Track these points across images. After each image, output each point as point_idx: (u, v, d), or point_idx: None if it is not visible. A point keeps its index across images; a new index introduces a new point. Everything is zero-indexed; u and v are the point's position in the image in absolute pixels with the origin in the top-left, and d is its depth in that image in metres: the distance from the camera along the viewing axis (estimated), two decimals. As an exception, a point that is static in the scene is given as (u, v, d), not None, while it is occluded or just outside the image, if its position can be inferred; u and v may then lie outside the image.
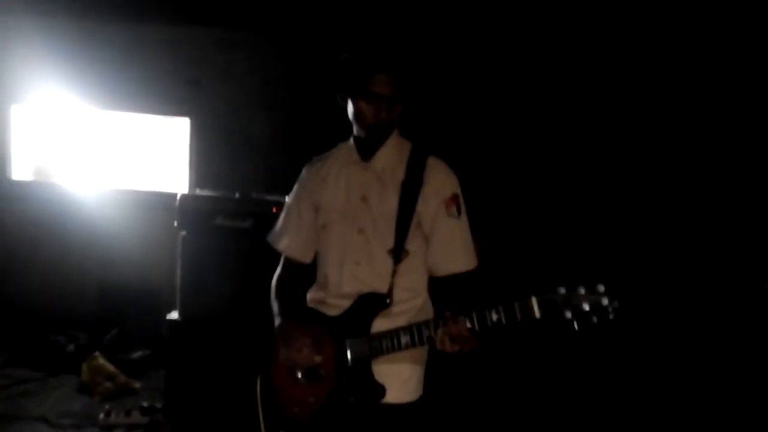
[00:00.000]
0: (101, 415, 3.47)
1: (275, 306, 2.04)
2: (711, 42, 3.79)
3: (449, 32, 4.30)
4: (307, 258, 2.07)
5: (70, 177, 5.13)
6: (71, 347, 4.34)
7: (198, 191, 3.91)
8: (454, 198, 1.91)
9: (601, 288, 1.61)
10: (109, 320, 4.59)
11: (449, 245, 1.90)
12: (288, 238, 2.08)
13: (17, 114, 5.13)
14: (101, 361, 4.01)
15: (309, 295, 2.04)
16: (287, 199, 2.13)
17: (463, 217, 1.93)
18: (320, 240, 2.01)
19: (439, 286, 1.96)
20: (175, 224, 3.52)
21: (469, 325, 1.68)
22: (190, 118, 5.03)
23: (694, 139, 3.99)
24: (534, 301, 1.64)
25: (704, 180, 3.96)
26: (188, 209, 3.51)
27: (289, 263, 2.10)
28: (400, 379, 1.87)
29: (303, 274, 2.08)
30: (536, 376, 3.73)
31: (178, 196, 3.56)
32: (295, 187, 2.11)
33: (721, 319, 3.71)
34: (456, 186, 1.93)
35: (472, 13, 4.06)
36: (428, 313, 1.94)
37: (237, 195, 3.60)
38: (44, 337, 4.41)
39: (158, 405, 3.57)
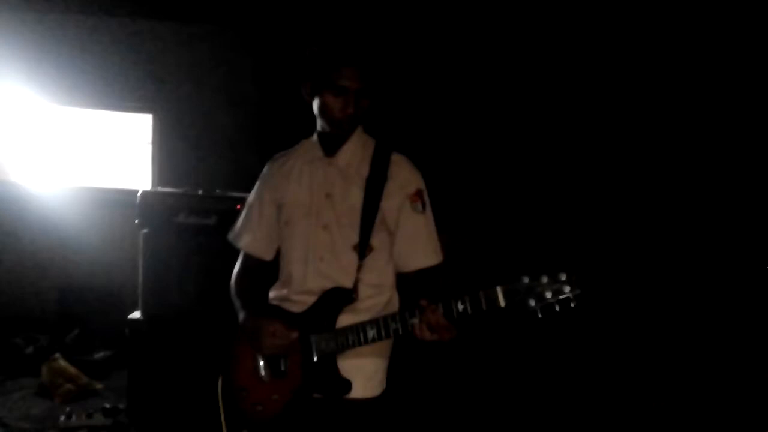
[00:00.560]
0: (62, 418, 3.43)
1: (237, 302, 2.02)
2: (704, 42, 3.81)
3: (412, 26, 4.29)
4: (268, 255, 2.06)
5: (29, 175, 5.01)
6: (30, 349, 4.26)
7: (160, 188, 3.86)
8: (419, 193, 1.92)
9: (563, 276, 1.63)
10: (69, 321, 4.50)
11: (415, 240, 1.91)
12: (249, 236, 2.07)
13: (-28, 110, 5.00)
14: (62, 362, 3.94)
15: (271, 293, 2.02)
16: (249, 195, 2.11)
17: (428, 211, 1.94)
18: (283, 237, 2.00)
19: (405, 282, 1.96)
20: (137, 222, 3.46)
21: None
22: (153, 114, 4.95)
23: (658, 119, 4.01)
24: (499, 290, 1.65)
25: (669, 162, 3.98)
26: (150, 206, 3.45)
27: (249, 260, 2.09)
28: (365, 375, 1.87)
29: (263, 272, 2.08)
30: (502, 368, 3.76)
31: (140, 193, 3.50)
32: (257, 183, 2.10)
33: (701, 302, 3.74)
34: (420, 181, 1.94)
35: (436, 5, 4.06)
36: (394, 310, 1.93)
37: (200, 192, 3.55)
38: (2, 339, 4.31)
39: (121, 406, 3.54)
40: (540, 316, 1.64)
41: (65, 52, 4.76)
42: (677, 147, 3.93)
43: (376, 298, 1.91)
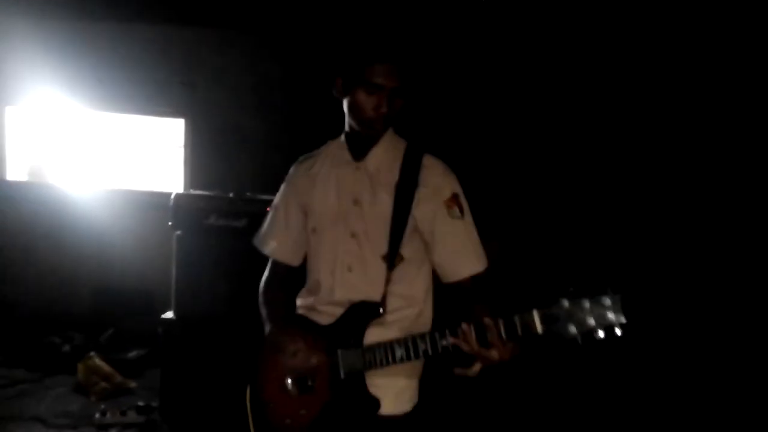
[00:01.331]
0: (97, 415, 3.48)
1: (264, 312, 1.96)
2: (714, 42, 3.77)
3: (451, 26, 4.25)
4: (295, 261, 1.99)
5: (65, 178, 5.13)
6: (67, 347, 4.35)
7: (192, 191, 3.92)
8: (454, 197, 1.79)
9: (607, 301, 1.48)
10: (104, 320, 4.60)
11: (456, 248, 1.79)
12: (275, 241, 1.98)
13: (12, 115, 5.14)
14: (97, 361, 4.02)
15: (299, 301, 1.96)
16: (274, 199, 2.03)
17: (467, 216, 1.81)
18: (310, 244, 1.91)
19: (451, 293, 1.82)
20: (170, 224, 3.53)
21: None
22: (185, 119, 5.04)
23: (706, 141, 3.90)
24: (536, 314, 1.52)
25: (721, 186, 3.85)
26: (182, 209, 3.51)
27: (277, 267, 2.01)
28: (394, 391, 1.78)
29: (291, 278, 2.00)
30: (534, 383, 3.66)
31: (173, 196, 3.57)
32: (283, 187, 2.01)
33: (741, 330, 3.60)
34: (455, 185, 1.81)
35: (478, 7, 4.04)
36: (425, 324, 1.85)
37: (231, 194, 3.61)
38: (40, 337, 4.42)
39: (154, 404, 3.59)
40: (580, 343, 1.49)
41: (101, 58, 4.88)
42: (736, 167, 3.81)
43: (405, 310, 1.80)
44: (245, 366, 1.96)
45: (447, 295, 1.83)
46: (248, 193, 3.64)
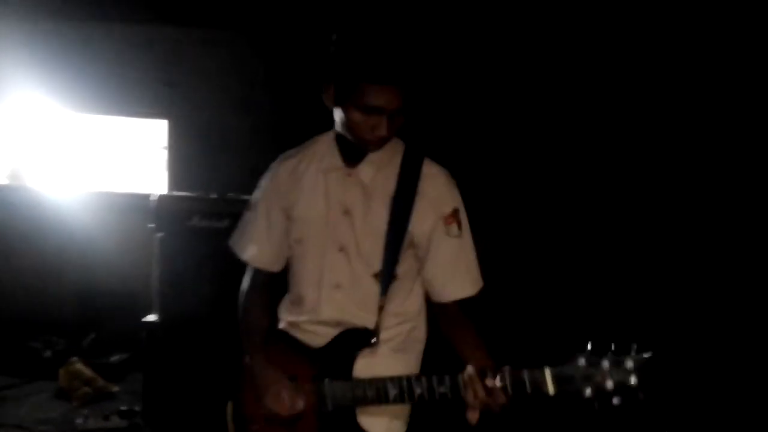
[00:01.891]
0: (79, 420, 3.46)
1: (244, 333, 1.81)
2: (713, 43, 3.73)
3: (450, 27, 4.18)
4: (276, 267, 1.82)
5: (45, 180, 5.07)
6: (48, 353, 4.29)
7: (174, 192, 3.88)
8: (455, 213, 1.65)
9: (630, 364, 1.34)
10: (86, 324, 4.54)
11: (450, 269, 1.65)
12: (255, 247, 1.80)
13: (-10, 117, 5.07)
14: (78, 365, 3.97)
15: (282, 314, 1.82)
16: (253, 196, 1.85)
17: (465, 233, 1.67)
18: (294, 254, 1.76)
19: (438, 312, 1.72)
20: (152, 226, 3.49)
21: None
22: (168, 120, 4.99)
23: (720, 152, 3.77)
24: (548, 373, 1.38)
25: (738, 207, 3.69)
26: (164, 210, 3.48)
27: (257, 274, 1.84)
28: (385, 423, 1.67)
29: (273, 284, 1.85)
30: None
31: (155, 198, 3.53)
32: (264, 184, 1.82)
33: None
34: (457, 199, 1.67)
35: (474, 9, 4.01)
36: (418, 340, 1.76)
37: (214, 195, 3.58)
38: (20, 342, 4.36)
39: (137, 408, 3.56)
40: (597, 407, 1.36)
41: (81, 58, 4.81)
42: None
43: (397, 327, 1.69)
44: (226, 382, 1.85)
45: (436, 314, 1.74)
46: (231, 194, 3.61)
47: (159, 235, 3.47)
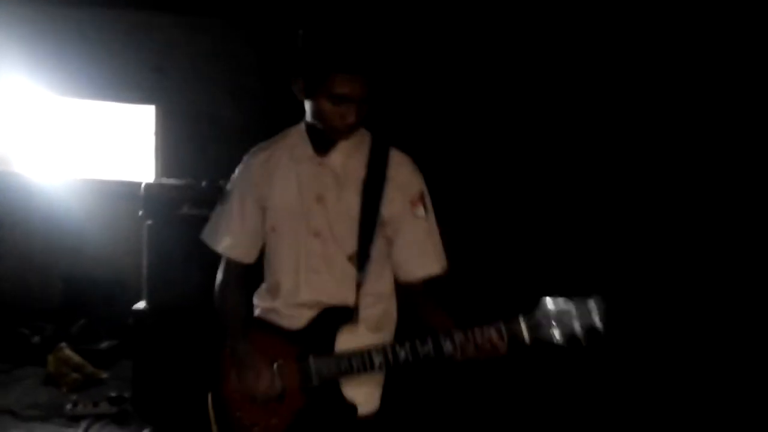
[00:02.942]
0: (68, 406, 3.46)
1: (224, 320, 1.88)
2: (711, 42, 3.75)
3: (427, 19, 4.22)
4: (250, 258, 1.89)
5: (33, 166, 5.04)
6: (36, 339, 4.29)
7: (164, 180, 3.88)
8: (420, 196, 1.76)
9: (592, 304, 1.49)
10: (75, 311, 4.53)
11: (416, 248, 1.75)
12: (230, 238, 1.87)
13: (-24, 102, 5.03)
14: (67, 352, 3.98)
15: (256, 301, 1.89)
16: (226, 188, 1.93)
17: (431, 215, 1.78)
18: (269, 243, 1.83)
19: (406, 293, 1.82)
20: (141, 213, 3.49)
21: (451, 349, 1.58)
22: (156, 106, 4.96)
23: (692, 136, 3.84)
24: (522, 321, 1.52)
25: (706, 182, 3.79)
26: (153, 198, 3.49)
27: (232, 266, 1.91)
28: (365, 392, 1.77)
29: (247, 276, 1.92)
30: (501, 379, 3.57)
31: (143, 185, 3.53)
32: (236, 177, 1.89)
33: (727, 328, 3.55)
34: (421, 183, 1.79)
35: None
36: (392, 320, 1.85)
37: (203, 183, 3.58)
38: (9, 329, 4.35)
39: (126, 395, 3.57)
40: (566, 347, 1.50)
41: (67, 43, 4.76)
42: (725, 166, 3.75)
43: (373, 308, 1.78)
44: (206, 372, 1.91)
45: (404, 296, 1.84)
46: (221, 181, 3.60)
47: (148, 222, 3.48)
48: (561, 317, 1.49)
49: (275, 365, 1.74)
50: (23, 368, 4.09)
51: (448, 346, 1.59)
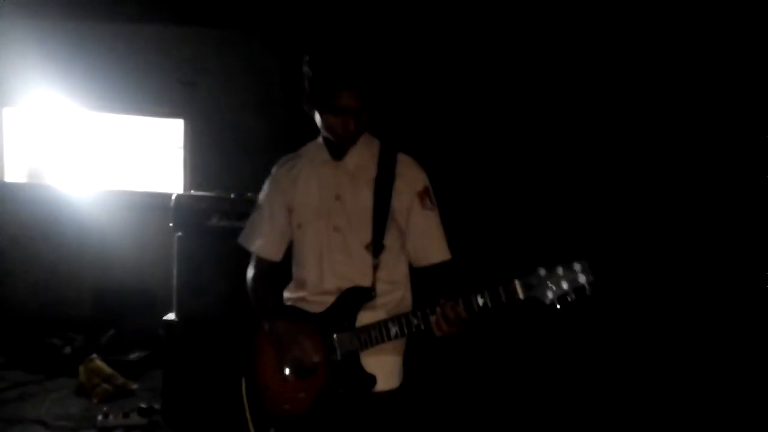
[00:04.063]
0: (99, 417, 3.47)
1: (257, 306, 2.08)
2: (705, 42, 3.77)
3: (419, 26, 4.29)
4: (278, 257, 2.10)
5: (64, 179, 5.12)
6: (68, 349, 4.34)
7: (193, 192, 3.91)
8: (426, 191, 1.98)
9: (578, 266, 1.70)
10: (105, 322, 4.59)
11: (428, 236, 1.97)
12: (261, 239, 2.10)
13: (10, 117, 5.12)
14: (98, 362, 4.01)
15: (286, 294, 2.07)
16: (258, 198, 2.14)
17: (436, 209, 2.00)
18: (296, 239, 2.05)
19: (420, 277, 2.01)
20: (171, 225, 3.52)
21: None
22: (184, 119, 5.02)
23: (675, 122, 3.98)
24: (517, 283, 1.72)
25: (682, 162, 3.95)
26: (183, 210, 3.51)
27: (262, 263, 2.12)
28: (386, 368, 1.93)
29: (275, 272, 2.12)
30: (513, 359, 3.81)
31: (174, 197, 3.56)
32: (266, 186, 2.12)
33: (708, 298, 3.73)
34: (426, 180, 2.00)
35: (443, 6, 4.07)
36: (408, 306, 2.00)
37: (232, 195, 3.60)
38: (40, 339, 4.41)
39: (156, 406, 3.57)
40: (558, 306, 1.70)
41: (99, 59, 4.86)
42: (690, 144, 3.91)
43: (390, 294, 1.96)
44: (238, 359, 2.07)
45: (419, 280, 2.03)
46: (249, 194, 3.62)
47: (178, 234, 3.50)
48: (551, 279, 1.70)
49: (303, 327, 1.93)
50: (54, 379, 4.14)
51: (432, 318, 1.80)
